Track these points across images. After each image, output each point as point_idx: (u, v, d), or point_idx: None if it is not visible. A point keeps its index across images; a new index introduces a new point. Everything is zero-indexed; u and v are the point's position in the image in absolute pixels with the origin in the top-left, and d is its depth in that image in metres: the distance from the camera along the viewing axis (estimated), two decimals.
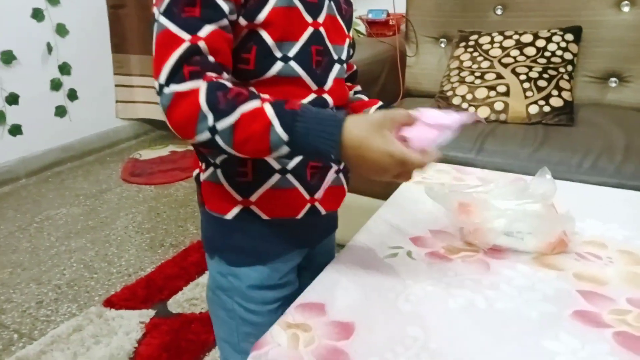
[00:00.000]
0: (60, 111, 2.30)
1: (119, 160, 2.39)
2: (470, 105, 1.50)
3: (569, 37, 1.51)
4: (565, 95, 1.43)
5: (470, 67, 1.57)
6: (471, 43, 1.62)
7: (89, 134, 2.44)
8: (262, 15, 0.55)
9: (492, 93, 1.49)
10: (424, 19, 1.76)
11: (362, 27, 1.89)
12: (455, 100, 1.52)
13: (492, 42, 1.59)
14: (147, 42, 2.47)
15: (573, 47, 1.51)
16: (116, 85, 2.55)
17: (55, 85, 2.26)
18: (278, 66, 0.57)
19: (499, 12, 1.66)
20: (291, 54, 0.58)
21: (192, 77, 0.50)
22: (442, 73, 1.68)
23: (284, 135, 0.50)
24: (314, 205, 0.65)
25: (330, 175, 0.66)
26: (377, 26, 1.85)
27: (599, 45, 1.52)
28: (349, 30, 0.69)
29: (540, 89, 1.44)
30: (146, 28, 2.45)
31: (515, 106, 1.44)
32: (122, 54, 2.51)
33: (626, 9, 1.49)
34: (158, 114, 2.60)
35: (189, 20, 0.51)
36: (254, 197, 0.62)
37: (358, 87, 0.78)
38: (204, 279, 1.44)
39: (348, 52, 0.69)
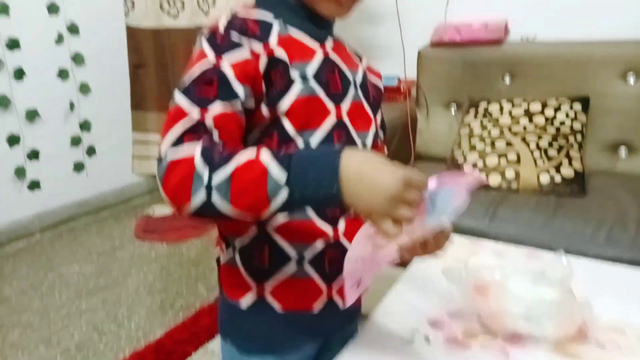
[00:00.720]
0: (79, 167, 2.36)
1: (133, 216, 2.41)
2: (482, 172, 1.51)
3: (577, 106, 1.55)
4: (576, 165, 1.45)
5: (480, 134, 1.60)
6: (481, 110, 1.66)
7: (105, 189, 2.48)
8: (284, 105, 0.56)
9: (503, 161, 1.51)
10: (435, 85, 1.82)
11: None
12: (467, 167, 1.54)
13: (501, 109, 1.63)
14: (164, 100, 2.56)
15: (582, 117, 1.54)
16: (134, 142, 2.61)
17: (76, 141, 2.32)
18: None
19: (507, 80, 1.71)
20: (313, 143, 0.59)
21: (190, 141, 0.50)
22: (452, 138, 1.71)
23: (282, 175, 0.46)
24: (331, 298, 0.63)
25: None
26: (389, 92, 1.90)
27: (608, 115, 1.56)
28: (375, 114, 0.69)
29: (550, 159, 1.47)
30: (164, 87, 2.54)
31: (526, 175, 1.46)
32: (140, 111, 2.59)
33: (632, 80, 1.53)
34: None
35: (202, 99, 0.52)
36: (268, 286, 0.61)
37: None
38: (213, 344, 1.42)
39: (376, 135, 0.69)
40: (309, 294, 0.62)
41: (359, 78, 0.66)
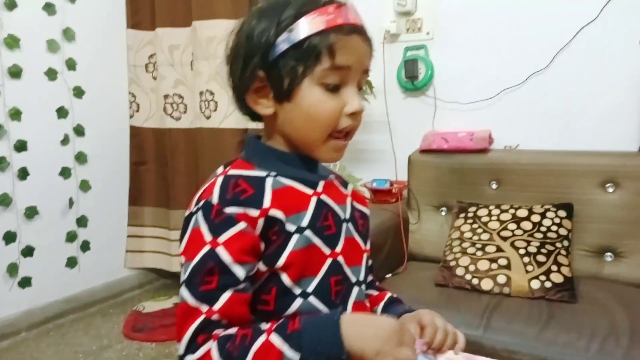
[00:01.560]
0: (71, 262, 2.35)
1: (122, 312, 2.37)
2: (473, 276, 1.54)
3: (562, 213, 1.62)
4: (565, 270, 1.49)
5: (470, 238, 1.65)
6: (470, 214, 1.72)
7: (96, 284, 2.46)
8: (281, 261, 0.59)
9: (494, 266, 1.54)
10: (425, 189, 1.90)
11: (367, 193, 2.02)
12: (459, 271, 1.57)
13: (489, 214, 1.69)
14: (161, 196, 2.62)
15: (567, 223, 1.60)
16: (128, 236, 2.63)
17: (71, 237, 2.34)
18: (297, 303, 0.60)
19: (494, 186, 1.79)
20: (310, 289, 0.61)
21: (204, 342, 0.55)
22: (443, 239, 1.76)
23: (295, 355, 0.53)
24: None
25: None
26: (381, 194, 1.98)
27: (591, 222, 1.62)
28: (365, 243, 0.72)
29: (540, 264, 1.50)
30: (162, 183, 2.61)
31: (517, 280, 1.49)
32: (137, 206, 2.64)
33: (611, 189, 1.61)
34: (164, 263, 2.64)
35: (206, 293, 0.56)
36: None
37: (369, 279, 0.80)
38: None
39: (367, 268, 0.72)
40: None
41: (348, 212, 0.70)
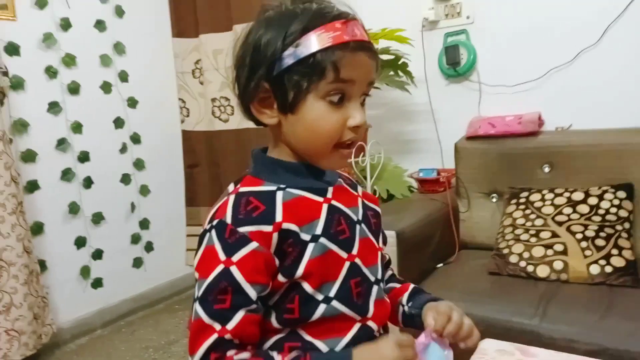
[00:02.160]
0: (137, 262, 2.50)
1: (186, 308, 2.50)
2: (528, 263, 1.51)
3: (622, 194, 1.55)
4: (627, 254, 1.43)
5: (524, 224, 1.62)
6: (522, 200, 1.68)
7: (161, 282, 2.60)
8: (300, 271, 0.61)
9: (550, 252, 1.51)
10: (473, 176, 1.86)
11: (414, 183, 2.01)
12: (513, 259, 1.55)
13: (543, 199, 1.65)
14: (214, 196, 2.70)
15: (627, 204, 1.53)
16: (187, 235, 2.76)
17: (135, 239, 2.48)
18: (321, 309, 0.62)
19: (546, 170, 1.73)
20: (332, 293, 0.63)
21: (217, 357, 0.57)
22: (495, 226, 1.73)
23: None
24: None
25: None
26: (429, 184, 1.97)
27: None
28: (379, 241, 0.74)
29: (599, 248, 1.45)
30: (215, 183, 2.71)
31: (575, 266, 1.45)
32: (194, 207, 2.76)
33: None
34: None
35: (219, 312, 0.58)
36: None
37: (388, 273, 0.83)
38: None
39: (382, 264, 0.74)
40: None
41: (360, 213, 0.71)
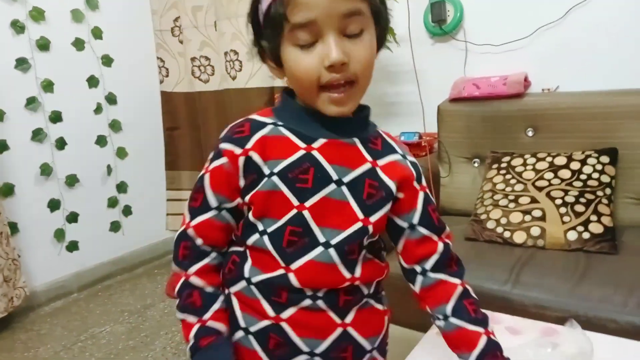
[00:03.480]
0: (115, 226, 2.46)
1: (166, 273, 2.47)
2: (505, 229, 1.47)
3: (605, 159, 1.49)
4: (605, 220, 1.38)
5: (503, 189, 1.57)
6: (503, 165, 1.63)
7: (140, 246, 2.57)
8: (247, 198, 0.66)
9: (528, 217, 1.46)
10: (456, 140, 1.80)
11: None
12: (490, 224, 1.50)
13: (524, 164, 1.59)
14: (196, 159, 2.66)
15: (610, 170, 1.48)
16: (168, 200, 2.71)
17: (112, 203, 2.43)
18: (254, 238, 0.67)
19: (530, 133, 1.67)
20: (269, 230, 0.66)
21: (183, 261, 0.68)
22: (476, 192, 1.68)
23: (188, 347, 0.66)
24: None
25: (301, 357, 0.67)
26: (410, 148, 1.88)
27: (638, 167, 1.49)
28: (368, 214, 0.67)
29: (578, 214, 1.40)
30: (196, 146, 2.65)
31: (552, 232, 1.40)
32: (174, 170, 2.70)
33: None
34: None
35: (190, 209, 0.68)
36: None
37: (458, 292, 0.70)
38: None
39: (358, 235, 0.67)
40: None
41: (349, 175, 0.66)
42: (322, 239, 0.65)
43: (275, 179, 0.64)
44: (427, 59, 1.96)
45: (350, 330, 0.68)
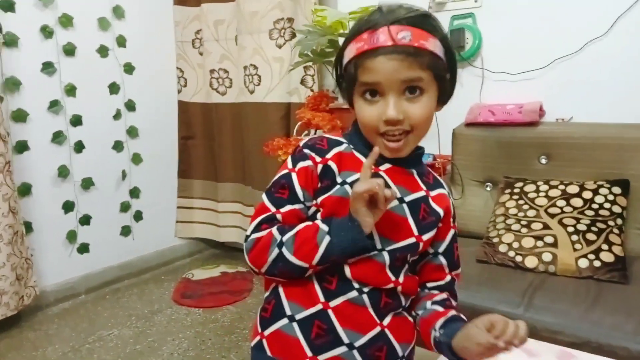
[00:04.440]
0: (126, 231, 2.48)
1: (173, 279, 2.49)
2: (517, 253, 1.50)
3: (617, 190, 1.53)
4: (616, 250, 1.41)
5: (516, 214, 1.60)
6: (516, 190, 1.66)
7: (149, 252, 2.59)
8: (319, 199, 0.76)
9: (540, 243, 1.49)
10: (469, 164, 1.84)
11: None
12: (502, 248, 1.53)
13: (537, 190, 1.62)
14: (209, 169, 2.70)
15: (621, 200, 1.51)
16: (178, 207, 2.74)
17: (125, 207, 2.46)
18: None
19: (543, 161, 1.71)
20: None
21: (266, 228, 0.75)
22: (487, 215, 1.71)
23: (325, 227, 0.71)
24: None
25: (341, 349, 0.72)
26: None
27: None
28: (422, 232, 0.76)
29: (589, 242, 1.43)
30: (209, 156, 2.69)
31: (564, 258, 1.43)
32: (187, 179, 2.74)
33: None
34: (212, 233, 2.74)
35: (277, 199, 0.76)
36: (266, 333, 0.77)
37: (441, 297, 0.82)
38: None
39: (409, 249, 0.76)
40: (294, 351, 0.74)
41: (409, 197, 0.77)
42: (379, 245, 0.74)
43: (347, 187, 0.74)
44: None
45: (387, 332, 0.75)
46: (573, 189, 1.57)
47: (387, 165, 0.77)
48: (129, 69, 2.42)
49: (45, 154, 2.14)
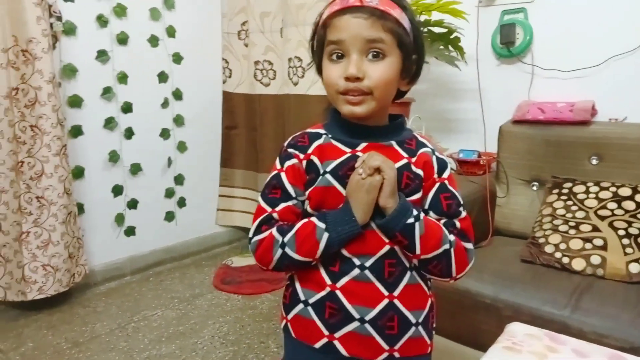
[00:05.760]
0: (170, 216, 2.56)
1: (212, 265, 2.55)
2: (564, 255, 1.47)
3: None
4: None
5: (564, 215, 1.57)
6: (565, 191, 1.63)
7: (190, 237, 2.66)
8: (307, 192, 0.82)
9: (588, 245, 1.46)
10: (516, 162, 1.81)
11: (453, 164, 1.97)
12: (548, 249, 1.50)
13: (587, 192, 1.58)
14: (250, 159, 2.74)
15: None
16: (220, 195, 2.81)
17: (169, 193, 2.54)
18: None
19: (594, 162, 1.66)
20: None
21: (267, 229, 0.80)
22: (533, 215, 1.68)
23: (322, 225, 0.78)
24: (332, 342, 0.80)
25: (353, 324, 0.79)
26: (468, 165, 1.92)
27: None
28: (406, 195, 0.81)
29: None
30: (251, 147, 2.73)
31: (613, 262, 1.40)
32: (228, 168, 2.79)
33: None
34: (251, 222, 2.78)
35: (272, 200, 0.82)
36: (289, 317, 0.85)
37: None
38: None
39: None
40: (312, 331, 0.81)
41: None
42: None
43: (328, 176, 0.80)
44: (492, 79, 1.98)
45: (397, 302, 0.80)
46: (625, 191, 1.53)
47: (363, 145, 0.82)
48: (177, 58, 2.48)
49: (97, 139, 2.23)
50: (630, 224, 1.45)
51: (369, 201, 0.77)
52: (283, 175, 0.82)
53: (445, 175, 0.85)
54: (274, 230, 0.79)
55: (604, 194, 1.55)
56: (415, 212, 0.78)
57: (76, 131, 2.16)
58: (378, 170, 0.76)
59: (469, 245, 0.84)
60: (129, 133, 2.32)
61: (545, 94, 1.86)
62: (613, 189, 1.55)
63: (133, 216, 2.40)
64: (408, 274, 0.81)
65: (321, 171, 0.80)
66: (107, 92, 2.23)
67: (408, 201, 0.80)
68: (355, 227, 0.77)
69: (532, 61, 1.91)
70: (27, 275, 1.91)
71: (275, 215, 0.81)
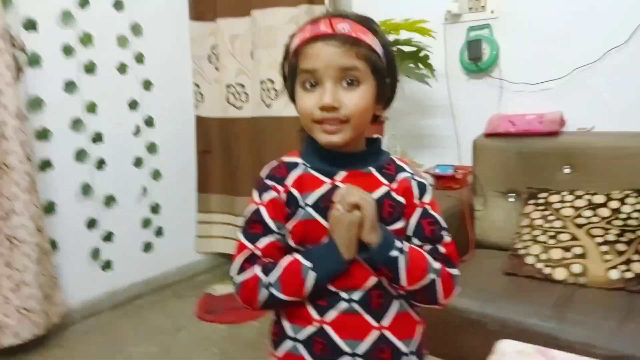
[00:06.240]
0: (147, 247, 2.50)
1: (194, 295, 2.49)
2: (546, 265, 1.49)
3: None
4: None
5: (541, 225, 1.60)
6: (541, 201, 1.66)
7: (170, 267, 2.60)
8: (289, 226, 0.79)
9: (568, 255, 1.49)
10: (491, 175, 1.84)
11: (430, 180, 1.99)
12: (529, 260, 1.53)
13: (562, 201, 1.62)
14: (227, 183, 2.71)
15: None
16: (198, 222, 2.76)
17: (146, 223, 2.48)
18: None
19: (566, 171, 1.70)
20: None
21: (249, 267, 0.78)
22: (511, 226, 1.71)
23: (308, 264, 0.76)
24: None
25: (345, 359, 0.77)
26: (445, 180, 1.94)
27: None
28: (387, 225, 0.79)
29: (619, 253, 1.43)
30: (227, 170, 2.70)
31: (594, 270, 1.43)
32: (205, 193, 2.75)
33: None
34: (232, 248, 2.74)
35: (253, 236, 0.80)
36: (279, 353, 0.82)
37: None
38: None
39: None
40: None
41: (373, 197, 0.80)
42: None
43: (309, 209, 0.78)
44: (462, 94, 2.02)
45: (387, 333, 0.78)
46: (599, 198, 1.57)
47: (342, 174, 0.81)
48: (147, 85, 2.44)
49: (68, 172, 2.16)
50: (606, 230, 1.49)
51: (350, 237, 0.75)
52: (263, 210, 0.80)
53: (427, 199, 0.84)
54: (257, 271, 0.77)
55: (579, 202, 1.59)
56: (399, 245, 0.77)
57: (45, 165, 2.09)
58: (357, 206, 0.75)
59: (455, 271, 0.83)
60: (100, 164, 2.27)
61: (515, 107, 1.91)
62: (587, 197, 1.59)
63: (109, 249, 2.33)
64: (396, 303, 0.80)
65: (302, 203, 0.78)
66: (76, 122, 2.17)
67: (391, 233, 0.78)
68: (341, 265, 0.76)
69: (500, 75, 1.96)
70: (1, 321, 1.83)
71: (258, 252, 0.78)
